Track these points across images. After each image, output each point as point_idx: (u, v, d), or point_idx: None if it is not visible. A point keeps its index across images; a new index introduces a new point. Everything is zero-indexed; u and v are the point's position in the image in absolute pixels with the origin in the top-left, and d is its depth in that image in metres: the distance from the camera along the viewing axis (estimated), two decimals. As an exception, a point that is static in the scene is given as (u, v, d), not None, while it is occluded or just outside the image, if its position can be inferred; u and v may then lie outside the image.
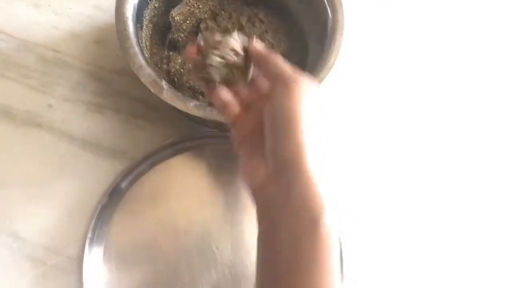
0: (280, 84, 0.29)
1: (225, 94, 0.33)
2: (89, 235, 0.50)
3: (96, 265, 0.50)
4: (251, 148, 0.31)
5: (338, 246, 0.28)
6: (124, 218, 0.52)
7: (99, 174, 0.53)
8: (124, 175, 0.53)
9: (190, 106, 0.43)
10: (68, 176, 0.53)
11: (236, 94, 0.34)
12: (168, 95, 0.43)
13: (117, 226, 0.52)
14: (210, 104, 0.44)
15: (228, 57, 0.32)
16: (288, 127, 0.27)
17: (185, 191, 0.53)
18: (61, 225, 0.52)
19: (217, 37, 0.32)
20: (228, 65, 0.32)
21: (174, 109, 0.55)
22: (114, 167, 0.54)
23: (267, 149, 0.29)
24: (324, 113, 0.29)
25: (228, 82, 0.33)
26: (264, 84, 0.33)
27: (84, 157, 0.54)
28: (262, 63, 0.31)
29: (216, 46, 0.31)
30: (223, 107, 0.33)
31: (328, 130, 0.34)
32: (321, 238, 0.26)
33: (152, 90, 0.43)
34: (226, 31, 0.33)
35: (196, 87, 0.52)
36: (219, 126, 0.54)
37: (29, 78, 0.57)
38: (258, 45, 0.32)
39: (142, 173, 0.53)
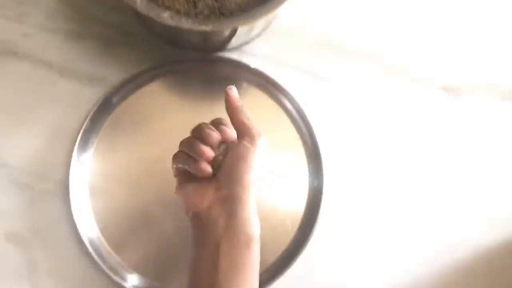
0: (244, 137, 0.38)
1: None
2: (74, 159, 0.51)
3: (83, 188, 0.51)
4: (196, 182, 0.39)
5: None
6: (107, 142, 0.52)
7: (80, 100, 0.53)
8: (104, 100, 0.53)
9: (164, 16, 0.43)
10: (49, 103, 0.53)
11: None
12: (143, 4, 0.43)
13: (100, 150, 0.52)
14: (186, 15, 0.44)
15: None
16: (242, 172, 0.37)
17: (167, 116, 0.53)
18: (45, 151, 0.52)
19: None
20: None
21: (151, 32, 0.55)
22: (94, 93, 0.53)
23: (222, 182, 0.38)
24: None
25: None
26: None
27: (64, 84, 0.54)
28: (233, 114, 0.39)
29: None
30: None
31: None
32: (252, 252, 0.36)
33: (125, 0, 0.43)
34: None
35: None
36: (197, 46, 0.54)
37: (3, 8, 0.55)
38: (235, 94, 0.40)
39: (123, 98, 0.53)
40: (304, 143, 0.53)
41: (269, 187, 0.52)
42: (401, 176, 0.55)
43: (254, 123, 0.39)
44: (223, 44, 0.53)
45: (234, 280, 0.35)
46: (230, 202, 0.37)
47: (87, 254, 0.48)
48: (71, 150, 0.51)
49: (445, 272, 0.53)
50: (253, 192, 0.37)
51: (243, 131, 0.39)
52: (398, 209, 0.54)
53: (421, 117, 0.57)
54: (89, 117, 0.52)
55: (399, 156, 0.55)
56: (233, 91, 0.40)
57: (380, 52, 0.58)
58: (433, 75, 0.58)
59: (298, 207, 0.52)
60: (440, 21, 0.59)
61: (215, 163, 0.39)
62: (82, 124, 0.52)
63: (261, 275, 0.48)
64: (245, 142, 0.38)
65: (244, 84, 0.55)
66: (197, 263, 0.38)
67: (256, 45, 0.56)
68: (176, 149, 0.52)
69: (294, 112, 0.54)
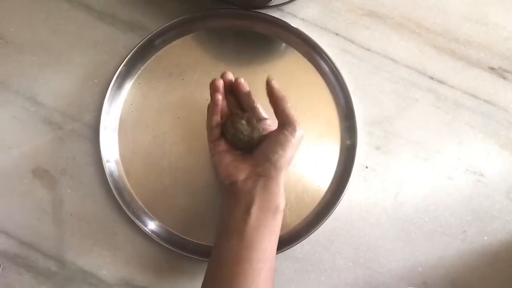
0: (285, 126, 0.42)
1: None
2: (106, 103, 0.50)
3: (112, 132, 0.51)
4: (232, 156, 0.45)
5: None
6: (140, 89, 0.52)
7: (116, 45, 0.53)
8: (141, 47, 0.52)
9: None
10: (85, 46, 0.53)
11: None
12: None
13: (133, 96, 0.52)
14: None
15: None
16: (278, 156, 0.42)
17: (202, 68, 0.52)
18: (78, 92, 0.52)
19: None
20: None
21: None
22: (131, 39, 0.53)
23: (259, 160, 0.43)
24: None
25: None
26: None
27: (102, 28, 0.53)
28: (276, 103, 0.43)
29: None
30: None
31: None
32: (277, 221, 0.42)
33: None
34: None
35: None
36: (241, 2, 0.53)
37: None
38: (276, 85, 0.44)
39: (160, 47, 0.53)
40: (338, 104, 0.52)
41: (300, 150, 0.51)
42: (433, 146, 0.53)
43: (295, 113, 0.43)
44: (266, 0, 0.52)
45: (257, 233, 0.41)
46: (264, 178, 0.42)
47: (111, 196, 0.49)
48: (104, 94, 0.51)
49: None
50: (284, 175, 0.43)
51: (285, 120, 0.43)
52: (434, 176, 0.52)
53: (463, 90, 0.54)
54: (124, 63, 0.51)
55: (431, 128, 0.53)
56: (274, 82, 0.44)
57: (429, 29, 0.55)
58: (480, 54, 0.55)
59: (329, 168, 0.51)
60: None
61: (230, 127, 0.44)
62: (117, 69, 0.51)
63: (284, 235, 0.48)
64: (286, 132, 0.42)
65: (284, 45, 0.54)
66: (228, 219, 0.42)
67: (299, 6, 0.55)
68: (207, 103, 0.52)
69: (329, 74, 0.53)
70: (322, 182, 0.51)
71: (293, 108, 0.43)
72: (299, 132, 0.43)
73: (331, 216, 0.49)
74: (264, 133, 0.45)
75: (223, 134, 0.46)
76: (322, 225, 0.49)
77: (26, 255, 0.49)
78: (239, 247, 0.40)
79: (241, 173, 0.43)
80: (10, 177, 0.50)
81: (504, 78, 0.54)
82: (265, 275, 0.40)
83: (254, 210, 0.41)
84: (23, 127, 0.51)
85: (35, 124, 0.51)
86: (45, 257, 0.49)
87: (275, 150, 0.42)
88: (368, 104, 0.53)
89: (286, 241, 0.48)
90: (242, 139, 0.44)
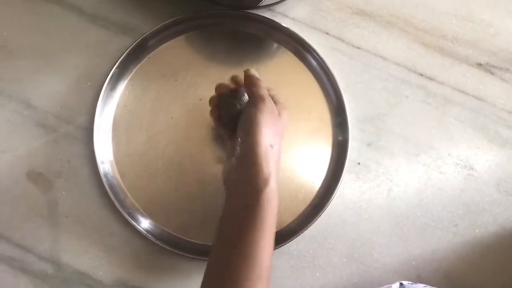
0: (254, 101, 0.41)
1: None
2: (99, 105, 0.51)
3: (106, 134, 0.51)
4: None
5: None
6: (133, 91, 0.52)
7: (109, 48, 0.53)
8: (133, 49, 0.52)
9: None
10: (78, 49, 0.53)
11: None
12: None
13: (126, 98, 0.52)
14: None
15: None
16: (253, 130, 0.39)
17: (194, 70, 0.53)
18: (71, 95, 0.52)
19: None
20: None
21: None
22: (124, 42, 0.53)
23: (237, 142, 0.40)
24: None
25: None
26: None
27: (94, 31, 0.54)
28: (249, 84, 0.43)
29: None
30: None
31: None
32: (262, 203, 0.37)
33: None
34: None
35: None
36: (231, 2, 0.53)
37: (38, -49, 0.55)
38: (253, 72, 0.44)
39: (152, 49, 0.53)
40: (329, 101, 0.53)
41: (293, 147, 0.52)
42: (429, 141, 0.54)
43: (262, 88, 0.42)
44: (256, 1, 0.52)
45: (245, 231, 0.37)
46: (242, 160, 0.39)
47: (106, 197, 0.49)
48: (97, 96, 0.51)
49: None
50: (267, 146, 0.39)
51: (250, 97, 0.43)
52: (425, 171, 0.53)
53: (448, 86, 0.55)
54: (116, 65, 0.52)
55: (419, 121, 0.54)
56: (252, 70, 0.44)
57: (418, 26, 0.56)
58: (467, 51, 0.56)
59: (321, 165, 0.52)
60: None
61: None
62: (109, 71, 0.51)
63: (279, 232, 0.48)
64: (251, 106, 0.41)
65: (275, 45, 0.55)
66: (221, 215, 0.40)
67: (289, 6, 0.55)
68: (200, 103, 0.53)
69: (321, 72, 0.53)
70: (315, 179, 0.51)
71: (260, 84, 0.43)
72: (261, 103, 0.41)
73: (325, 213, 0.50)
74: None
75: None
76: (316, 221, 0.49)
77: (22, 258, 0.49)
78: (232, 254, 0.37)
79: (227, 169, 0.43)
80: (4, 180, 0.50)
81: (492, 73, 0.55)
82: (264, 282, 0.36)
83: (234, 199, 0.39)
84: (17, 131, 0.51)
85: (29, 127, 0.51)
86: (41, 259, 0.49)
87: (245, 125, 0.40)
88: (359, 101, 0.54)
89: (281, 238, 0.49)
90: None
